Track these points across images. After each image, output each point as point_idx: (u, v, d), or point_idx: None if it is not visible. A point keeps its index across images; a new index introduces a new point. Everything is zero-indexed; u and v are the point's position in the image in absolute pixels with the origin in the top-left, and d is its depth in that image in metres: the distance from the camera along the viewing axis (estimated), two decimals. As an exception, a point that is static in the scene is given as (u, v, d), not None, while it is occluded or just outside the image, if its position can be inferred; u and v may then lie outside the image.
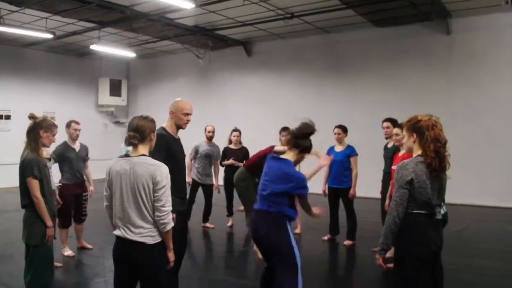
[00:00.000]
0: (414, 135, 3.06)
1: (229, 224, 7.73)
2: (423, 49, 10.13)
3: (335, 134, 6.67)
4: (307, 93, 11.70)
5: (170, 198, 2.95)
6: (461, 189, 9.34)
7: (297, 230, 7.10)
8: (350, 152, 6.51)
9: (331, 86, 11.36)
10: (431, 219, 3.00)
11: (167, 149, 3.74)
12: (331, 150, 6.73)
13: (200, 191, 7.51)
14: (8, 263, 5.62)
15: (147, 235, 2.91)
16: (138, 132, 2.97)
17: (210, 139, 7.45)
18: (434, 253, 3.02)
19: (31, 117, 3.89)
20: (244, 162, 7.47)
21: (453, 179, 9.55)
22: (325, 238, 6.80)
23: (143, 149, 3.01)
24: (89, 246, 6.25)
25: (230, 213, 7.78)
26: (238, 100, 12.78)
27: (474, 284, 4.97)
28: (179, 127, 3.99)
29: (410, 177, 2.95)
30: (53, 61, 13.66)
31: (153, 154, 3.48)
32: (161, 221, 2.90)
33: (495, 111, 9.29)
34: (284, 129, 7.01)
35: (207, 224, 7.69)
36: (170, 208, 2.95)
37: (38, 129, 3.83)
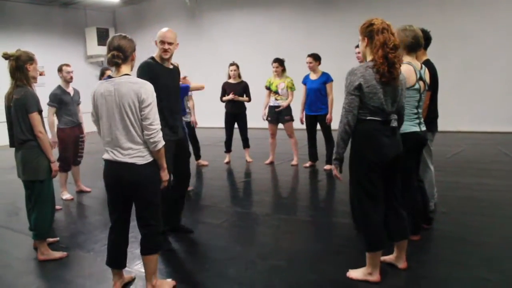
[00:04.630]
0: (366, 40, 2.93)
1: (226, 160, 7.71)
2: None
3: (307, 63, 6.75)
4: (297, 27, 11.48)
5: (157, 116, 2.87)
6: (457, 116, 9.38)
7: (294, 162, 7.18)
8: (326, 78, 6.59)
9: (321, 18, 11.07)
10: (386, 126, 2.91)
11: (152, 76, 3.60)
12: (306, 79, 6.83)
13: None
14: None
15: (136, 155, 2.85)
16: (120, 51, 2.85)
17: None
18: (388, 159, 2.93)
19: (6, 56, 3.77)
20: (245, 96, 7.39)
21: (448, 106, 9.69)
22: (307, 165, 7.05)
23: (126, 68, 2.90)
24: (87, 189, 6.27)
25: (228, 149, 7.74)
26: (228, 39, 12.54)
27: (471, 199, 5.02)
28: (160, 56, 3.89)
29: (358, 82, 2.84)
30: (36, 13, 13.20)
31: None
32: (151, 140, 2.83)
33: (491, 36, 9.09)
34: (276, 60, 7.00)
35: (201, 161, 7.65)
36: (159, 126, 2.87)
37: (22, 65, 3.73)
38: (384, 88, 2.86)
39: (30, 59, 3.79)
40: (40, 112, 3.72)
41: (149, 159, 2.90)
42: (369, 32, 2.90)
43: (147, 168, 2.89)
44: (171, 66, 4.02)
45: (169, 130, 3.89)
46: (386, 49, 2.80)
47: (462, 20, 9.36)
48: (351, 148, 3.01)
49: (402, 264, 3.25)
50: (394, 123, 2.94)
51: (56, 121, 5.77)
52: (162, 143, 2.90)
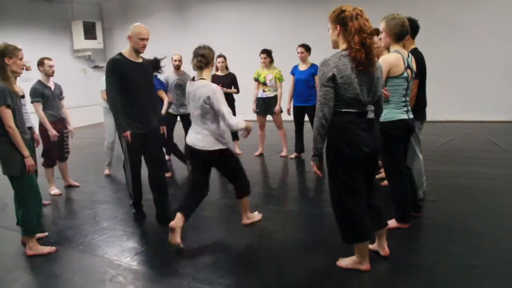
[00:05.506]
0: (338, 27, 2.79)
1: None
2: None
3: (298, 53, 6.76)
4: (286, 19, 11.40)
5: (225, 107, 3.68)
6: (446, 106, 9.42)
7: (283, 153, 7.19)
8: (315, 70, 6.51)
9: (310, 10, 11.00)
10: (362, 118, 2.81)
11: (120, 72, 4.10)
12: (294, 69, 6.85)
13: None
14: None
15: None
16: (204, 58, 3.73)
17: (177, 68, 6.94)
18: (365, 154, 2.83)
19: None
20: (233, 88, 7.33)
21: (437, 96, 9.70)
22: (292, 156, 7.08)
23: (207, 72, 3.79)
24: (76, 183, 6.21)
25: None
26: (216, 31, 12.39)
27: (460, 187, 5.06)
28: (137, 51, 4.21)
29: (331, 73, 2.71)
30: (21, 7, 12.95)
31: (106, 76, 4.17)
32: (230, 125, 3.70)
33: (480, 25, 9.11)
34: (264, 51, 6.97)
35: None
36: (231, 112, 3.70)
37: (1, 58, 3.66)
38: (359, 78, 2.75)
39: (10, 53, 3.71)
40: (8, 106, 3.58)
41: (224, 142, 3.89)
42: (341, 19, 2.77)
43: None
44: (140, 60, 4.28)
45: (138, 123, 4.24)
46: (363, 35, 2.69)
47: (450, 9, 9.36)
48: (327, 142, 2.90)
49: (383, 251, 3.25)
50: (371, 115, 2.86)
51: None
52: (241, 123, 3.76)
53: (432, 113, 8.86)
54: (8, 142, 3.64)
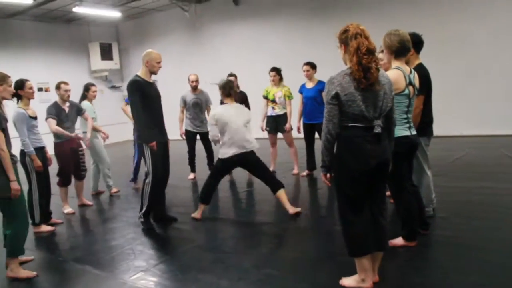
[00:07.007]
0: (343, 47, 2.89)
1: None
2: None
3: (304, 71, 6.80)
4: (295, 37, 11.50)
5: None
6: (459, 120, 9.34)
7: (295, 171, 7.18)
8: (322, 87, 6.47)
9: (319, 27, 11.06)
10: (369, 132, 2.84)
11: (141, 91, 4.72)
12: (302, 88, 6.86)
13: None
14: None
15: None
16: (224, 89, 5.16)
17: (194, 88, 7.33)
18: (370, 166, 2.85)
19: None
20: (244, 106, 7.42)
21: (451, 111, 9.58)
22: (304, 173, 7.05)
23: (229, 100, 5.18)
24: (89, 203, 6.31)
25: None
26: (229, 50, 12.61)
27: (472, 203, 4.96)
28: (152, 73, 4.88)
29: (334, 91, 2.79)
30: (40, 30, 13.39)
31: (130, 96, 4.81)
32: None
33: (490, 38, 9.04)
34: (273, 69, 7.04)
35: None
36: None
37: None
38: (363, 95, 2.79)
39: (1, 79, 3.88)
40: (2, 130, 3.66)
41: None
42: (344, 38, 2.86)
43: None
44: (151, 81, 4.95)
45: (159, 132, 4.92)
46: (359, 55, 2.75)
47: (459, 23, 9.30)
48: (335, 155, 2.96)
49: (372, 279, 3.06)
50: (378, 129, 2.85)
51: (53, 137, 5.76)
52: None
53: (446, 128, 8.84)
54: None
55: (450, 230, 4.13)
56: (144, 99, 4.73)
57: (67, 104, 5.87)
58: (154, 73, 4.89)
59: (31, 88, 5.13)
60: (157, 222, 5.11)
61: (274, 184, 5.08)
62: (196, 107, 7.30)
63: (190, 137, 7.45)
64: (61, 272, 3.93)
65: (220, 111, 5.07)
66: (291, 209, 4.96)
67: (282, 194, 5.03)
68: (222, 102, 7.56)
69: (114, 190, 6.88)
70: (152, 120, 4.84)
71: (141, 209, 4.98)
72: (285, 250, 4.08)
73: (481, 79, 9.22)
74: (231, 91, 5.20)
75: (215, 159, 7.61)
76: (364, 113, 2.80)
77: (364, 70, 2.75)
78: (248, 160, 5.01)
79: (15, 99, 5.07)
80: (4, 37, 12.53)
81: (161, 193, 5.16)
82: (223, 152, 5.02)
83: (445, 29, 9.31)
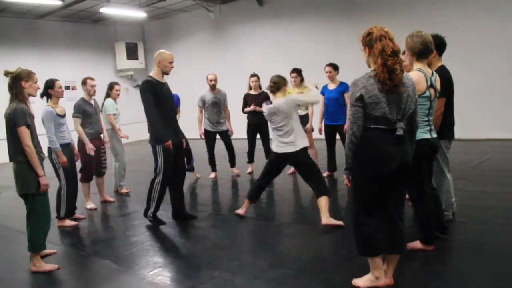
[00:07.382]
0: (367, 49, 2.92)
1: (249, 171, 7.78)
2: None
3: (326, 72, 6.77)
4: (320, 38, 11.47)
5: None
6: (484, 123, 9.15)
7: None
8: (344, 88, 6.56)
9: (344, 28, 11.01)
10: (391, 134, 2.84)
11: (154, 91, 4.77)
12: (324, 89, 6.86)
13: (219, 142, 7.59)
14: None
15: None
16: (275, 84, 4.83)
17: (213, 87, 7.40)
18: (390, 168, 2.85)
19: (6, 73, 3.92)
20: None
21: (476, 114, 9.38)
22: (325, 174, 6.94)
23: (280, 94, 4.85)
24: (111, 199, 6.44)
25: (251, 160, 7.82)
26: (253, 50, 12.65)
27: (493, 208, 4.87)
28: (165, 73, 4.93)
29: (359, 93, 2.82)
30: (68, 30, 13.71)
31: (144, 95, 4.82)
32: None
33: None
34: (294, 70, 7.05)
35: (234, 170, 7.82)
36: None
37: (18, 82, 3.86)
38: (387, 97, 2.81)
39: (27, 77, 3.89)
40: (28, 126, 3.76)
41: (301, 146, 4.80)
42: (368, 41, 2.89)
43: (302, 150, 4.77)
44: (164, 81, 4.98)
45: (172, 132, 4.93)
46: (384, 56, 2.77)
47: (486, 24, 9.12)
48: (355, 155, 2.97)
49: (385, 279, 3.06)
50: (400, 131, 2.85)
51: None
52: None
53: (471, 130, 8.69)
54: (25, 161, 3.79)
55: (469, 234, 4.07)
56: (156, 99, 4.76)
57: (92, 99, 6.03)
58: (167, 73, 4.93)
59: (60, 87, 5.29)
60: (177, 219, 5.19)
61: None
62: (215, 106, 7.38)
63: (209, 136, 7.55)
64: (82, 265, 4.05)
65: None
66: (324, 219, 4.56)
67: (324, 199, 4.66)
68: (266, 99, 7.64)
69: (124, 190, 6.96)
70: (165, 119, 4.87)
71: (147, 209, 5.04)
72: (302, 250, 4.08)
73: (508, 81, 9.01)
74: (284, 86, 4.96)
75: (236, 157, 7.83)
76: (387, 115, 2.82)
77: (389, 71, 2.77)
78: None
79: (44, 98, 5.25)
80: (33, 37, 12.88)
81: (180, 191, 5.24)
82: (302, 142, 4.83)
83: (471, 30, 9.15)
